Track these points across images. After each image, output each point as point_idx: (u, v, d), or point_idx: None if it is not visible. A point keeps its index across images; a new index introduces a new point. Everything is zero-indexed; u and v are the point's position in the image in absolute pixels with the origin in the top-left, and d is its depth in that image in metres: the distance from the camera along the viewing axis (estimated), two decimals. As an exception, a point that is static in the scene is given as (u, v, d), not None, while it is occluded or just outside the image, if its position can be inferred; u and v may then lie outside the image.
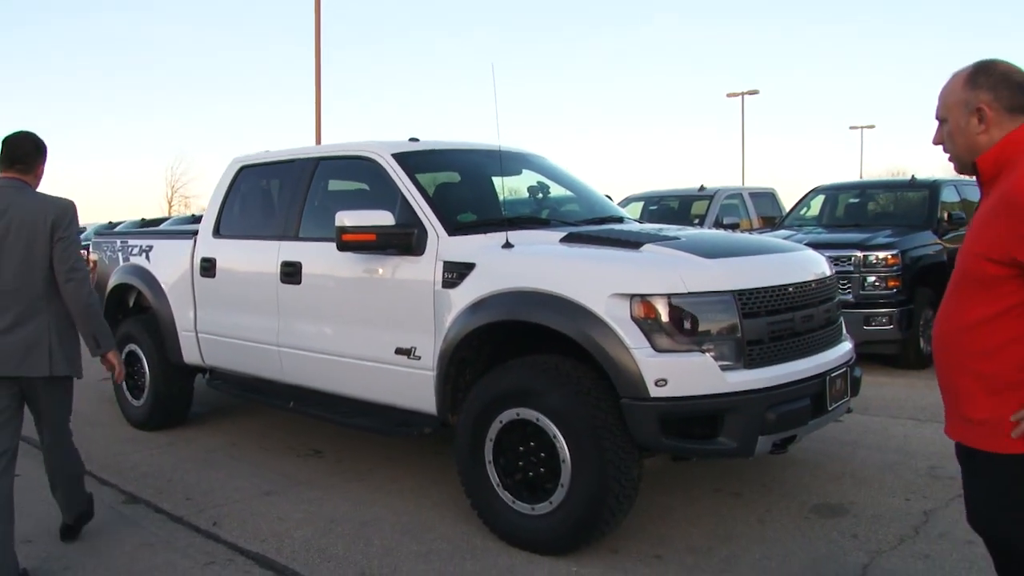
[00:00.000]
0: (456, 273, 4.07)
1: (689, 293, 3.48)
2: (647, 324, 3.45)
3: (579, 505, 3.55)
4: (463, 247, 4.15)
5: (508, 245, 4.03)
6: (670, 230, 4.57)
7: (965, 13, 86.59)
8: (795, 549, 3.75)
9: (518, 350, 4.01)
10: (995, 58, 2.16)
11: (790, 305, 3.79)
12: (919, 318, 7.72)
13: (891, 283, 7.59)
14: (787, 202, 12.74)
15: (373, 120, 78.96)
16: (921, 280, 7.78)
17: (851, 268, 7.62)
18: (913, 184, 9.46)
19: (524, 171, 5.43)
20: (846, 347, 4.20)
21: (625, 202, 12.49)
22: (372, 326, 4.47)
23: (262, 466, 5.27)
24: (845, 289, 7.46)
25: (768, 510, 4.22)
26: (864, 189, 10.46)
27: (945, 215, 8.51)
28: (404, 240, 4.25)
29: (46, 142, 3.84)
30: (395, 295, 4.36)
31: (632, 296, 3.48)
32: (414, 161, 4.74)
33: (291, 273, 4.90)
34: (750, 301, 3.59)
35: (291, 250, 4.97)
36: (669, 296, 3.47)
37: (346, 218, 4.18)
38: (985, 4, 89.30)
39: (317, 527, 4.18)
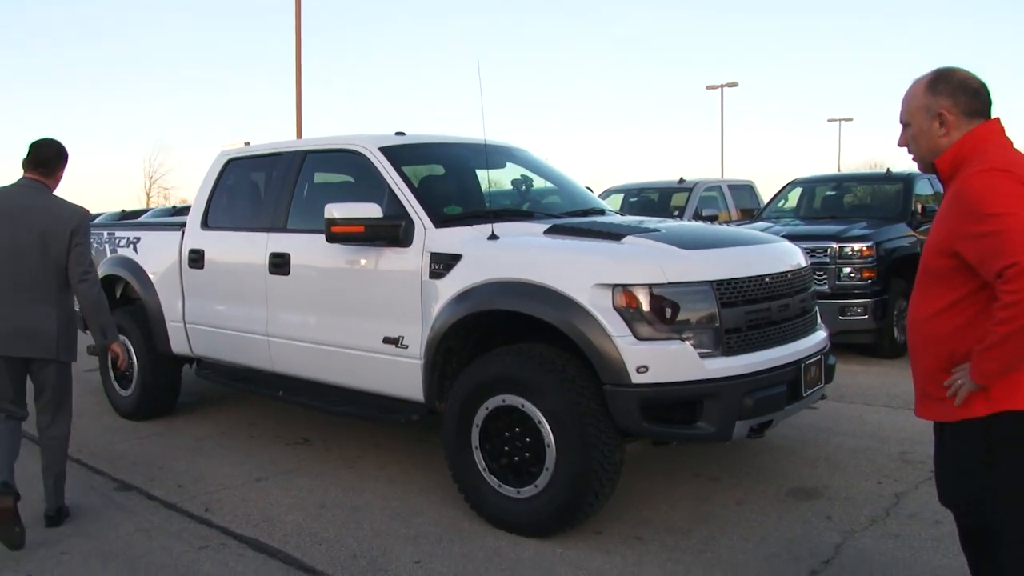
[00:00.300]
0: (443, 264, 4.17)
1: (669, 283, 3.60)
2: (629, 313, 3.57)
3: (563, 488, 3.67)
4: (450, 239, 4.25)
5: (494, 237, 4.12)
6: (650, 222, 4.68)
7: (942, 7, 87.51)
8: (771, 530, 3.89)
9: (504, 339, 4.12)
10: (952, 66, 2.32)
11: (767, 295, 3.91)
12: (893, 308, 7.89)
13: (866, 274, 7.75)
14: (766, 194, 12.90)
15: (357, 109, 78.68)
16: (895, 271, 7.93)
17: (827, 259, 7.78)
18: (888, 177, 9.63)
19: (508, 164, 5.52)
20: (820, 336, 4.34)
21: (605, 194, 12.53)
22: (360, 316, 4.56)
23: (251, 454, 5.35)
24: (821, 280, 7.63)
25: (746, 493, 4.37)
26: (840, 182, 10.66)
27: (919, 207, 8.69)
28: (392, 232, 4.33)
29: (43, 141, 4.18)
30: (383, 286, 4.45)
31: (614, 286, 3.60)
32: (401, 155, 4.83)
33: (280, 264, 4.97)
34: (728, 291, 3.72)
35: (279, 241, 5.05)
36: (650, 286, 3.58)
37: (335, 210, 4.27)
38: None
39: (308, 512, 4.28)
